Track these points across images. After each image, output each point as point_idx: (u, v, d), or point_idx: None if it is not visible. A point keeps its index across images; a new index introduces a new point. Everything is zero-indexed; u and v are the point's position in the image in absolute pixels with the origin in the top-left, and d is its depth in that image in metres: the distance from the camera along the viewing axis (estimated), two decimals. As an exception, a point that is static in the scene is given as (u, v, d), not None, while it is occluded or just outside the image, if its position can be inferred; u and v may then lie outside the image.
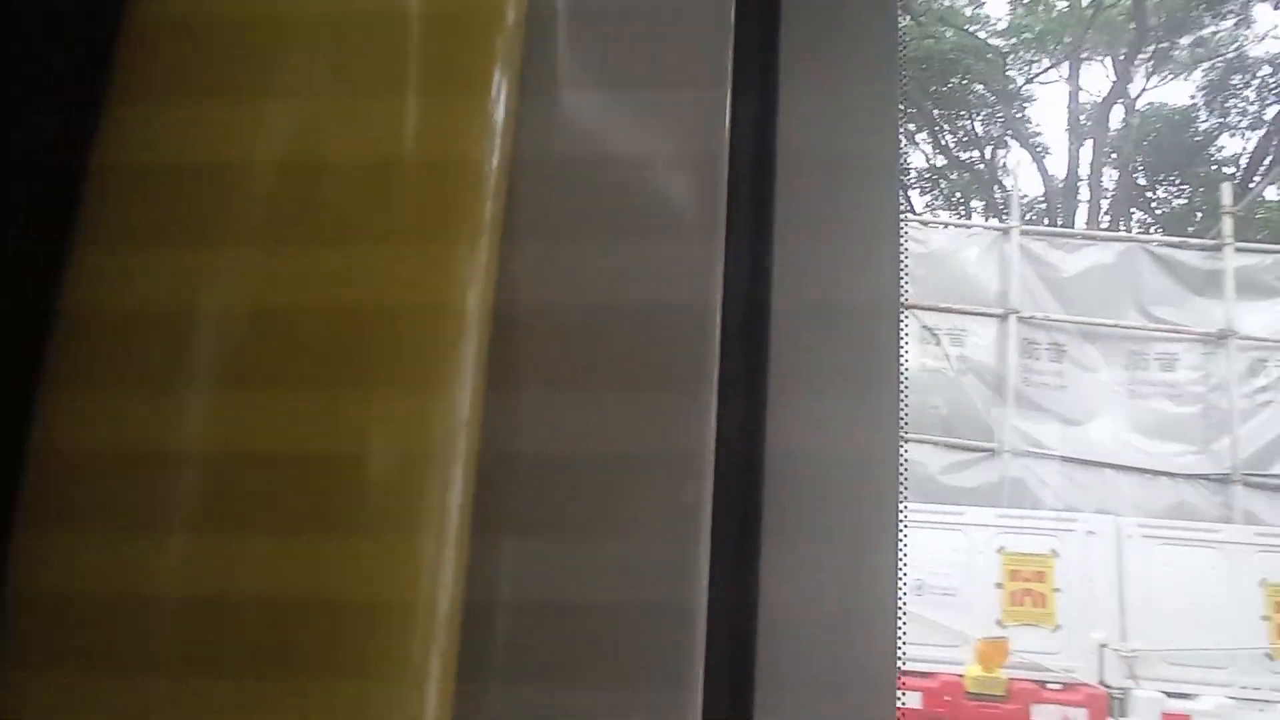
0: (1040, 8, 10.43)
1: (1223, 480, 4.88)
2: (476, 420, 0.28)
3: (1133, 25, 9.93)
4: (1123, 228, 10.00)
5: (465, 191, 0.29)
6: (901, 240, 0.40)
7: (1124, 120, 10.61)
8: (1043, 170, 10.70)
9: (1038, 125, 10.92)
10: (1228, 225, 5.34)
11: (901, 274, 0.39)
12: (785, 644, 0.34)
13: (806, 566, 0.35)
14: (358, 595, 0.25)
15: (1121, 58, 10.38)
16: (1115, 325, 5.21)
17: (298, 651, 0.24)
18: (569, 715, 0.30)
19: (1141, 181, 10.90)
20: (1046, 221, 9.94)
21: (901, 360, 0.39)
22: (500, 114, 0.30)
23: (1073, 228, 9.44)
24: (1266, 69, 10.04)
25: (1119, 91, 10.56)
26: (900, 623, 0.36)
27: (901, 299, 0.39)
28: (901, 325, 0.39)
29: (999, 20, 10.49)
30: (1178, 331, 5.16)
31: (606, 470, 0.32)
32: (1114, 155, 10.61)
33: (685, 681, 0.31)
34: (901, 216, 0.41)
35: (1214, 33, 10.07)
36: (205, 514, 0.25)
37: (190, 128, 0.28)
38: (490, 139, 0.30)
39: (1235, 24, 10.05)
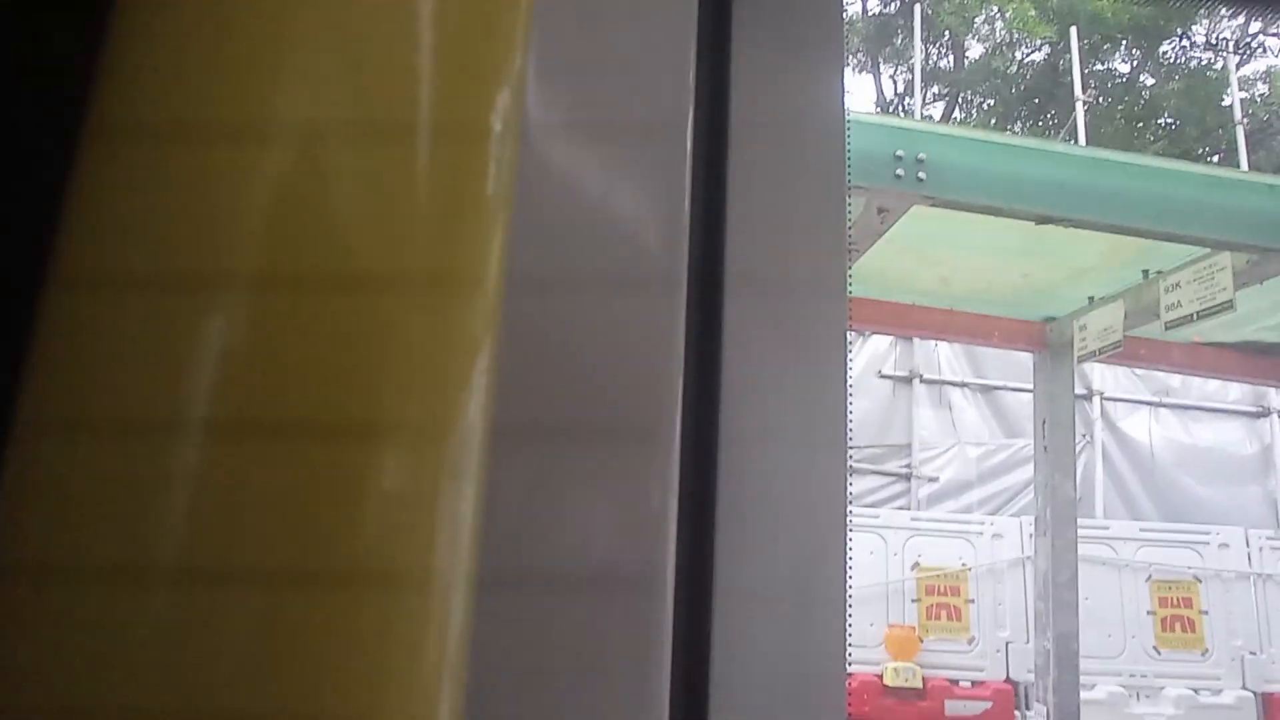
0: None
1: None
2: (482, 480, 0.26)
3: None
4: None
5: (479, 236, 0.27)
6: (849, 273, 0.40)
7: None
8: None
9: None
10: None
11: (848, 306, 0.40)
12: (738, 653, 0.34)
13: (759, 588, 0.35)
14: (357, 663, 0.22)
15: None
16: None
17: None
18: None
19: None
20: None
21: (848, 379, 0.39)
22: (510, 154, 0.28)
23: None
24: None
25: None
26: (848, 627, 0.37)
27: (846, 329, 0.40)
28: (848, 348, 0.40)
29: None
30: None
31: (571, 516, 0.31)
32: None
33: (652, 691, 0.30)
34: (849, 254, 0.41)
35: None
36: (188, 566, 0.22)
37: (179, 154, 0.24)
38: (502, 182, 0.27)
39: None
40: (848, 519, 0.38)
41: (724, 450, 0.36)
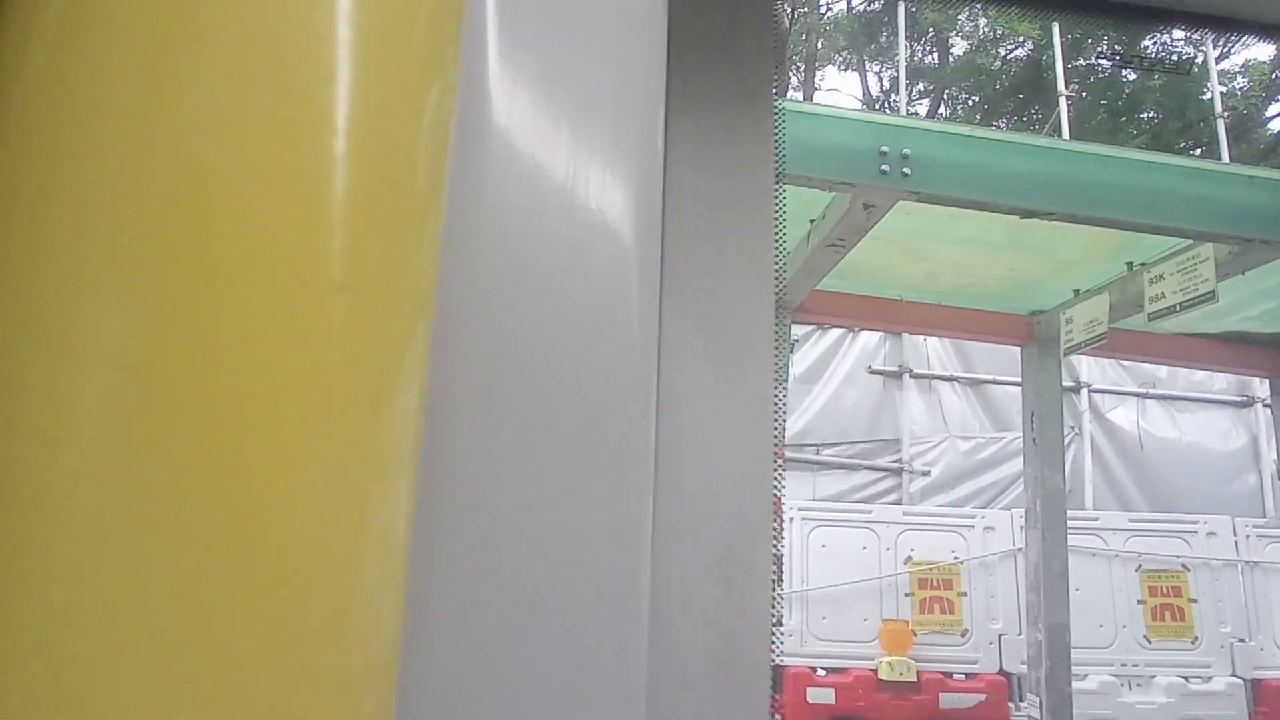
0: None
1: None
2: (411, 476, 0.25)
3: None
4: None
5: (402, 231, 0.26)
6: (776, 271, 0.40)
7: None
8: None
9: None
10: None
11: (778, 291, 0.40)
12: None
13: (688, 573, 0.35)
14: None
15: None
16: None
17: None
18: None
19: None
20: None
21: (775, 375, 0.39)
22: (438, 148, 0.27)
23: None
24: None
25: None
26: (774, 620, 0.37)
27: (773, 327, 0.40)
28: (775, 345, 0.39)
29: None
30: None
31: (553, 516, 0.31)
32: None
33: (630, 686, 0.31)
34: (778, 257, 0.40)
35: None
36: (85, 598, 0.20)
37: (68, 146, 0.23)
38: (428, 178, 0.26)
39: None
40: (775, 511, 0.38)
41: (661, 450, 0.36)
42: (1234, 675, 4.48)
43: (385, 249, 0.25)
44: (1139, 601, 4.56)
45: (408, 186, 0.26)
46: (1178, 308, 2.65)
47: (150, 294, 0.22)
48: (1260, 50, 10.00)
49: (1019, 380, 3.76)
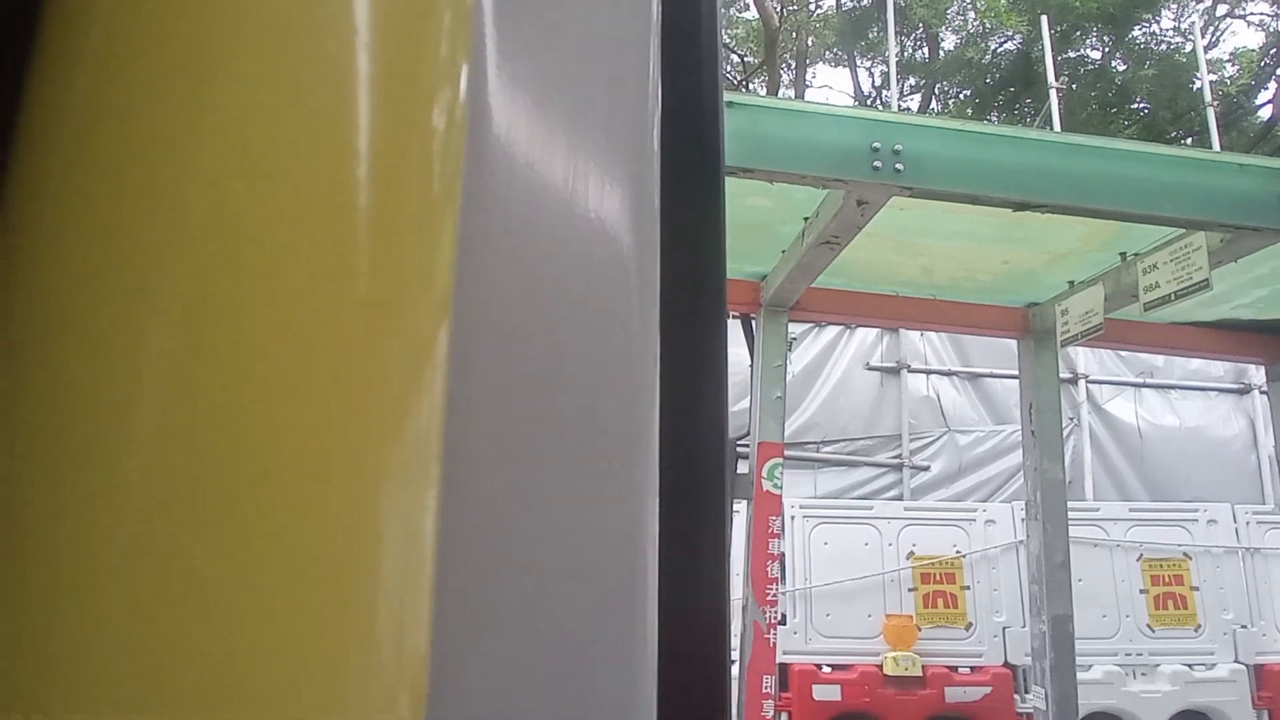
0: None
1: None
2: (437, 483, 0.25)
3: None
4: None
5: (422, 236, 0.26)
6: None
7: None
8: None
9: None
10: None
11: None
12: None
13: None
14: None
15: None
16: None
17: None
18: None
19: None
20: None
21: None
22: (454, 152, 0.27)
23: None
24: None
25: None
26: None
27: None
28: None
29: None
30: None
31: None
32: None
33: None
34: None
35: None
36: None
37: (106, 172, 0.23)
38: (445, 182, 0.27)
39: None
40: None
41: None
42: (1237, 661, 4.49)
43: (407, 262, 0.26)
44: (1141, 591, 4.57)
45: (426, 199, 0.27)
46: (1172, 297, 2.65)
47: (181, 313, 0.23)
48: (1249, 38, 10.03)
49: (1016, 373, 3.77)
